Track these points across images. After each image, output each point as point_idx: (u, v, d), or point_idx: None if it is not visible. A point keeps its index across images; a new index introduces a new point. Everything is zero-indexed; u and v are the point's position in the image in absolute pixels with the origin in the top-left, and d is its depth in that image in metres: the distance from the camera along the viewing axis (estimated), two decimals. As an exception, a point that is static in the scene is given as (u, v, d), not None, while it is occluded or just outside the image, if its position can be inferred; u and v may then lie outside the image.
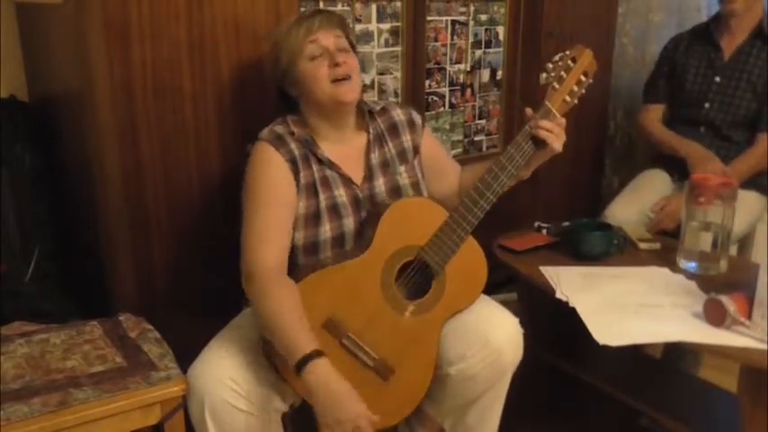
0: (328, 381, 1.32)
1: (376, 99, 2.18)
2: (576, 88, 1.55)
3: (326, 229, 1.54)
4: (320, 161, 1.57)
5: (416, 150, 1.69)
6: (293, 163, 1.53)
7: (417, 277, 1.51)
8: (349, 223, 1.56)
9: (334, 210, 1.56)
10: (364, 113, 1.66)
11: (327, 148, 1.59)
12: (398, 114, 1.70)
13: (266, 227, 1.48)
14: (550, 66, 1.55)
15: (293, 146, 1.54)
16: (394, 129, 1.68)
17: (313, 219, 1.54)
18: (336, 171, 1.58)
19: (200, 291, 1.77)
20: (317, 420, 1.36)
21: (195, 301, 1.77)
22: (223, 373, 1.38)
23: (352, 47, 1.62)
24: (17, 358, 1.42)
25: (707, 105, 2.36)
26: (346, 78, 1.53)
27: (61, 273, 1.89)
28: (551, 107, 1.53)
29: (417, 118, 1.72)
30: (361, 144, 1.64)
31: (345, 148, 1.61)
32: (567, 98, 1.55)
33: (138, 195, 1.67)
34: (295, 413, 1.56)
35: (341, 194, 1.57)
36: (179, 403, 1.39)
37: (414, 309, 1.49)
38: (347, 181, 1.58)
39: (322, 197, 1.55)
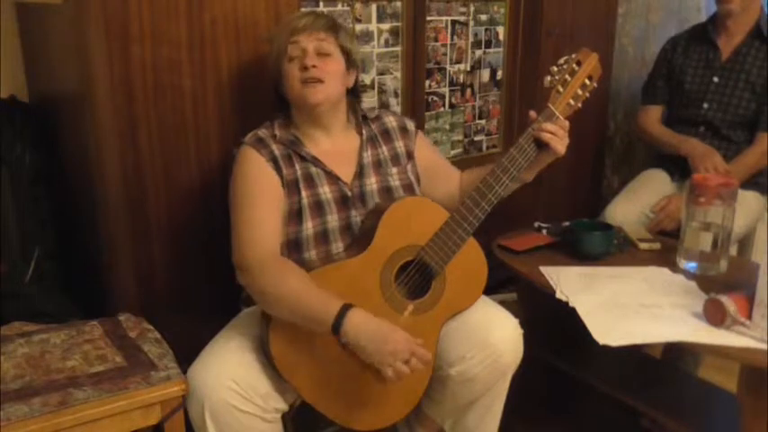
0: (367, 325, 1.34)
1: (376, 99, 2.18)
2: (580, 92, 1.55)
3: (309, 226, 1.54)
4: (304, 159, 1.57)
5: (410, 156, 1.69)
6: (275, 162, 1.53)
7: (417, 277, 1.51)
8: (333, 220, 1.55)
9: (318, 207, 1.55)
10: (358, 116, 1.66)
11: (314, 147, 1.59)
12: (391, 121, 1.70)
13: (255, 220, 1.48)
14: (555, 69, 1.55)
15: (274, 147, 1.55)
16: (386, 134, 1.68)
17: (296, 215, 1.54)
18: (321, 168, 1.57)
19: (201, 291, 1.77)
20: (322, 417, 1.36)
21: (195, 301, 1.77)
22: (223, 374, 1.38)
23: (346, 51, 1.60)
24: (17, 358, 1.42)
25: (705, 106, 2.36)
26: (317, 81, 1.53)
27: (61, 273, 1.89)
28: (555, 110, 1.52)
29: (410, 124, 1.72)
30: (353, 144, 1.64)
31: (335, 148, 1.61)
32: (572, 101, 1.55)
33: (138, 195, 1.67)
34: (295, 413, 1.57)
35: (325, 192, 1.56)
36: (179, 403, 1.39)
37: (413, 308, 1.49)
38: (333, 178, 1.58)
39: (304, 194, 1.54)
